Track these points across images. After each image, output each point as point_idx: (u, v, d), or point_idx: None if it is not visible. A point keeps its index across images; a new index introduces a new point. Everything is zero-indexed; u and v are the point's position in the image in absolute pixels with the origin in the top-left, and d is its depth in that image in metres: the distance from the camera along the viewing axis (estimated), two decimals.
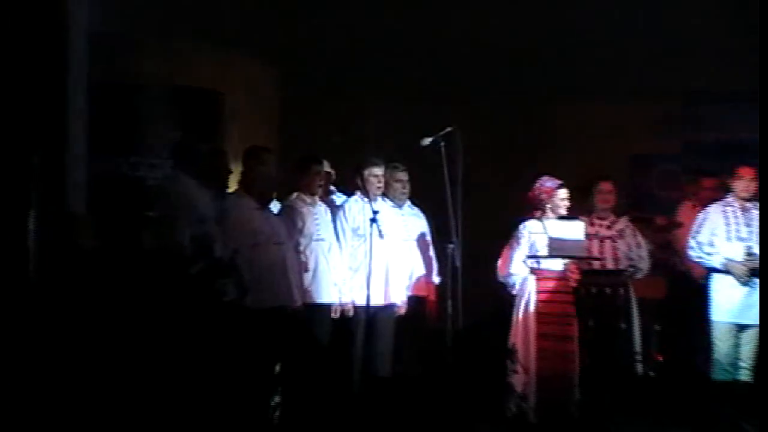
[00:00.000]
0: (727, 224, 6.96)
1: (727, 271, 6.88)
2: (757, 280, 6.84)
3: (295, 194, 6.57)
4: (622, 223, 7.09)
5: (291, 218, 6.46)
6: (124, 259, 5.47)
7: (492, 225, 7.13)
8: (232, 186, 6.36)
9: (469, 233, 6.77)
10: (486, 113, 7.72)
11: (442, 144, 6.62)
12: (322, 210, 6.61)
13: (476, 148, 6.84)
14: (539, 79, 7.99)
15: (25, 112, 4.88)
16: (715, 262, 6.89)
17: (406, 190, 6.96)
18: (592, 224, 6.96)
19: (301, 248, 6.44)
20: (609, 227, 7.07)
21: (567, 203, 6.82)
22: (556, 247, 6.78)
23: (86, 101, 5.42)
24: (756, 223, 6.89)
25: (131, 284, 5.32)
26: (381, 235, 6.52)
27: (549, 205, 6.89)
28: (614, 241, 7.08)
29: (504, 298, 7.07)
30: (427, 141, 6.66)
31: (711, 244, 6.95)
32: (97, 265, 5.26)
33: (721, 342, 6.90)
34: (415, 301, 6.94)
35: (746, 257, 6.80)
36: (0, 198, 4.80)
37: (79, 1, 5.42)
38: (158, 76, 6.45)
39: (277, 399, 6.03)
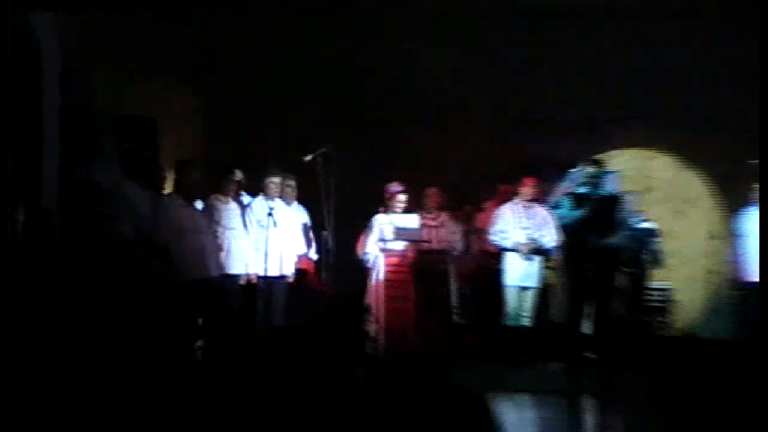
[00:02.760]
0: (515, 218, 7.11)
1: (514, 250, 7.04)
2: (534, 257, 7.00)
3: (214, 195, 6.62)
4: (444, 216, 7.36)
5: (209, 214, 6.50)
6: (84, 242, 5.32)
7: (355, 218, 7.19)
8: (168, 188, 6.32)
9: (339, 224, 6.95)
10: (352, 135, 7.64)
11: (320, 158, 6.81)
12: (233, 207, 6.70)
13: (345, 161, 6.92)
14: (395, 114, 8.09)
15: (8, 128, 4.80)
16: (507, 244, 7.09)
17: (294, 193, 7.07)
18: (423, 217, 7.18)
19: (218, 235, 6.49)
20: (434, 219, 7.28)
21: (405, 203, 7.01)
22: (398, 234, 6.98)
23: (58, 121, 5.36)
24: (536, 218, 7.05)
25: (89, 261, 5.21)
26: (275, 225, 6.61)
27: (393, 203, 7.00)
28: (438, 230, 7.26)
29: (363, 270, 7.12)
30: (308, 157, 6.84)
31: (504, 232, 7.11)
32: (63, 247, 5.19)
33: (511, 300, 7.07)
34: (299, 274, 7.07)
35: (527, 241, 7.00)
36: None
37: (52, 43, 5.36)
38: (110, 104, 6.35)
39: (199, 343, 6.04)
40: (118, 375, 4.52)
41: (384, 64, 7.46)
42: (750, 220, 6.68)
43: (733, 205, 7.33)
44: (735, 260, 6.91)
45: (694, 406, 4.68)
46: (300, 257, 6.97)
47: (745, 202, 6.86)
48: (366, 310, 6.60)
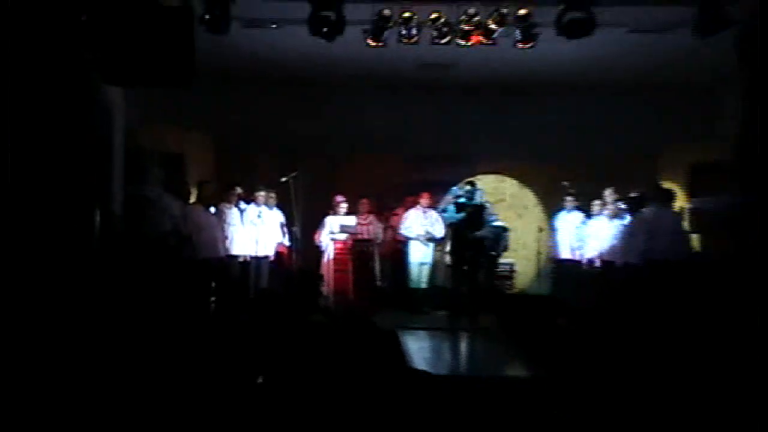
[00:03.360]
0: (417, 219, 7.60)
1: (416, 239, 7.49)
2: (429, 244, 7.42)
3: (222, 203, 6.86)
4: (371, 217, 7.73)
5: (219, 216, 6.74)
6: (137, 234, 5.51)
7: (314, 218, 7.49)
8: (192, 199, 6.68)
9: (305, 222, 7.27)
10: (312, 165, 7.71)
11: (291, 180, 7.11)
12: (235, 211, 7.00)
13: (308, 181, 7.19)
14: (341, 151, 8.32)
15: (92, 162, 4.61)
16: (412, 235, 7.58)
17: (275, 201, 7.31)
18: (357, 218, 7.50)
19: (224, 229, 6.71)
20: (365, 219, 7.61)
21: (346, 209, 7.45)
22: (342, 229, 7.28)
23: (122, 156, 5.55)
24: (431, 219, 7.45)
25: (142, 247, 5.41)
26: (263, 223, 6.99)
27: (338, 209, 7.41)
28: (367, 226, 7.55)
29: (319, 253, 7.43)
30: (284, 179, 7.14)
31: (410, 227, 7.60)
32: (125, 238, 5.29)
33: (413, 272, 7.56)
34: (277, 255, 7.35)
35: (425, 233, 7.48)
36: (77, 207, 4.32)
37: (119, 105, 5.57)
38: (154, 145, 6.49)
39: (213, 299, 6.44)
40: (158, 318, 4.82)
41: (334, 121, 7.79)
42: (560, 220, 7.76)
43: (551, 210, 8.02)
44: (553, 245, 7.78)
45: (525, 337, 5.54)
46: (278, 244, 7.21)
47: (558, 209, 7.83)
48: (320, 278, 7.00)
